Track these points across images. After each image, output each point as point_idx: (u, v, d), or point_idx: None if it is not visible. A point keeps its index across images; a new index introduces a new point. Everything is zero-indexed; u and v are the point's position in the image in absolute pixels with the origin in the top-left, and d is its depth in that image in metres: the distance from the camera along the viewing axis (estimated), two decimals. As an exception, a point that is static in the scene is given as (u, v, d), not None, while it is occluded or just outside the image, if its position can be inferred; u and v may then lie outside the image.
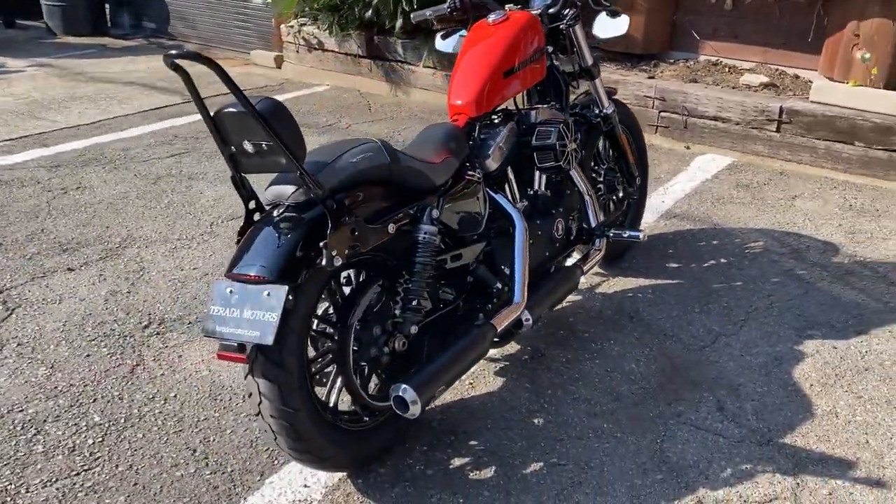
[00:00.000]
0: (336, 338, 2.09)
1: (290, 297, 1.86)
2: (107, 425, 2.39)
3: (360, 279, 2.20)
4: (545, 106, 2.84)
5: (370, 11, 5.75)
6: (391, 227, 2.12)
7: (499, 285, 2.42)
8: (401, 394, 2.00)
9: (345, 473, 2.20)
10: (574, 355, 2.77)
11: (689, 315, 3.03)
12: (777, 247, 3.61)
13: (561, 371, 2.67)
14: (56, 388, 2.56)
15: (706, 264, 3.45)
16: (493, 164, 2.54)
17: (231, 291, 1.91)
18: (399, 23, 5.63)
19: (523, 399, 2.53)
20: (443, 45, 3.05)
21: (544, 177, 2.80)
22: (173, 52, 1.74)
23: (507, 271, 2.45)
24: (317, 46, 6.50)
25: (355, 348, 2.10)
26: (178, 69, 1.79)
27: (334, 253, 1.94)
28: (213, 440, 2.34)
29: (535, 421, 2.43)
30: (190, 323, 2.95)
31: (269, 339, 1.84)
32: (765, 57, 5.23)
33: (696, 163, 4.70)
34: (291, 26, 6.56)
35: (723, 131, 4.81)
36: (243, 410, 2.47)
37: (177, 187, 4.24)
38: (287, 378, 1.93)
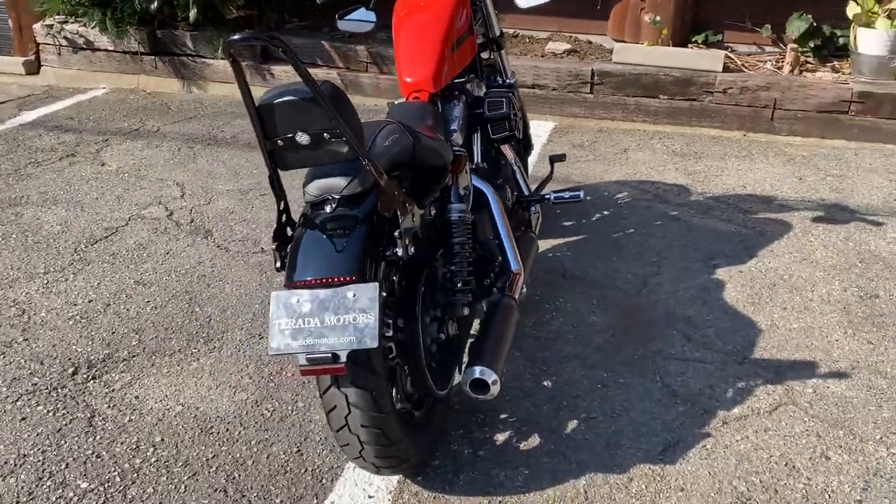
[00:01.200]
0: (405, 330, 1.98)
1: (383, 294, 1.74)
2: (102, 489, 2.05)
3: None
4: (475, 78, 2.86)
5: (155, 4, 5.28)
6: (432, 210, 2.05)
7: (499, 258, 2.43)
8: (479, 376, 1.96)
9: (401, 476, 2.10)
10: (538, 318, 2.85)
11: (611, 264, 3.24)
12: (640, 195, 3.96)
13: (537, 335, 2.74)
14: (6, 462, 2.13)
15: (594, 218, 3.69)
16: (459, 138, 2.52)
17: (299, 301, 1.74)
18: (193, 13, 5.24)
19: (521, 367, 2.57)
20: (347, 24, 2.95)
21: (480, 149, 2.83)
22: (237, 37, 1.55)
23: (497, 243, 2.46)
24: (84, 46, 5.83)
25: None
26: (233, 59, 1.60)
27: (407, 241, 1.85)
28: (240, 476, 2.11)
29: (545, 384, 2.49)
30: (124, 360, 2.59)
31: (372, 342, 1.71)
32: (559, 26, 5.62)
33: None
34: (50, 25, 5.81)
35: (542, 98, 5.12)
36: (250, 437, 2.24)
37: (2, 217, 3.63)
38: (378, 382, 1.81)
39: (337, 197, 1.83)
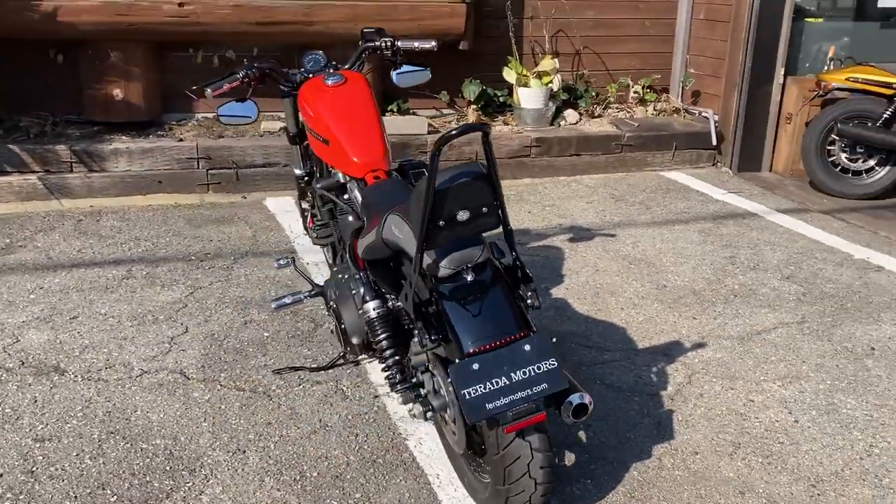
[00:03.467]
0: None
1: (554, 340, 1.97)
2: None
3: None
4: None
5: None
6: None
7: None
8: (581, 401, 2.24)
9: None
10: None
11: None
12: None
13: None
14: None
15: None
16: None
17: (477, 367, 1.89)
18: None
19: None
20: (230, 120, 2.97)
21: None
22: (454, 132, 1.72)
23: None
24: None
25: None
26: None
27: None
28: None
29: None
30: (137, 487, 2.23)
31: (562, 384, 1.93)
32: (259, 105, 5.74)
33: (271, 207, 5.02)
34: None
35: (274, 175, 5.24)
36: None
37: None
38: (546, 424, 2.01)
39: (470, 266, 2.00)
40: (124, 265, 3.99)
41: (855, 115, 5.41)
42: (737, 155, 6.13)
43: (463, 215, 1.89)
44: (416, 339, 2.25)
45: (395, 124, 5.53)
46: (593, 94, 6.29)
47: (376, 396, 2.88)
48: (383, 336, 2.29)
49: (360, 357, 2.81)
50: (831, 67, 5.85)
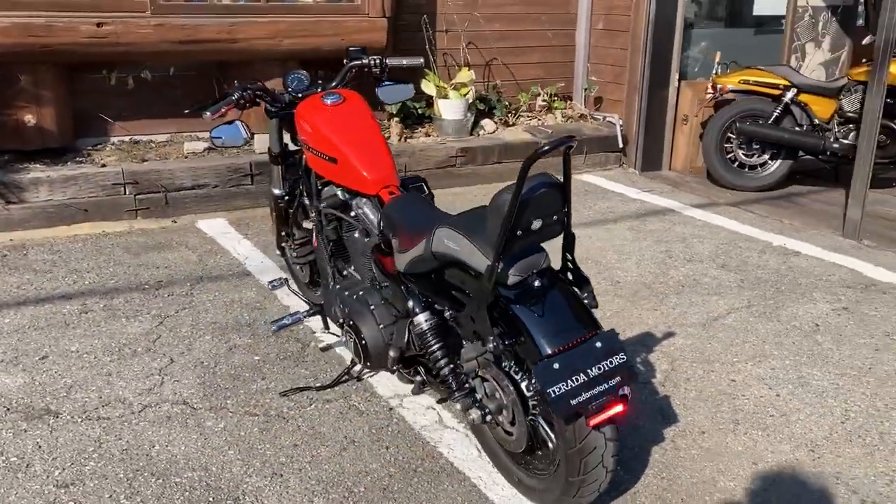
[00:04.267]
0: None
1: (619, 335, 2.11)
2: None
3: None
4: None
5: None
6: None
7: None
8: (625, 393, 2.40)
9: None
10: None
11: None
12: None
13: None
14: None
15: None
16: None
17: (558, 366, 2.01)
18: None
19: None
20: (223, 141, 2.97)
21: None
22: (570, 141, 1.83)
23: None
24: None
25: None
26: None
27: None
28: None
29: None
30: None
31: (634, 376, 2.08)
32: (178, 127, 5.60)
33: (206, 230, 4.90)
34: None
35: (205, 196, 5.12)
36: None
37: None
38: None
39: (536, 272, 2.11)
40: (76, 299, 3.80)
41: (748, 115, 5.91)
42: (640, 156, 6.54)
43: (536, 224, 1.99)
44: (469, 346, 2.33)
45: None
46: (506, 103, 6.52)
47: (391, 409, 2.92)
48: (437, 346, 2.35)
49: (381, 372, 2.85)
50: (719, 71, 6.34)
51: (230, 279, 4.10)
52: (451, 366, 2.35)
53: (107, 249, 4.47)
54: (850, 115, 5.80)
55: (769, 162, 6.02)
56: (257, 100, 3.04)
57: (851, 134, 5.80)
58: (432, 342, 2.36)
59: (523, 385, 2.24)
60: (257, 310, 3.74)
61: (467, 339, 2.34)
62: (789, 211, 5.49)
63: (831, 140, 5.76)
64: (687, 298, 3.95)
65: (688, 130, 6.48)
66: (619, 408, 2.05)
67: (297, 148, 3.24)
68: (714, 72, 6.40)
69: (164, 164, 5.10)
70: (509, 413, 2.28)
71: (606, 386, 2.02)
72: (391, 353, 2.60)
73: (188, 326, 3.55)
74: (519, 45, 6.63)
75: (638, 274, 4.26)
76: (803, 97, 5.80)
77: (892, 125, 5.63)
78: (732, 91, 5.99)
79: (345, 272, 3.09)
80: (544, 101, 6.63)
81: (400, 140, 5.92)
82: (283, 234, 3.53)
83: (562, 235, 2.14)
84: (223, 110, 2.88)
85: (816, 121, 5.80)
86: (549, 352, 2.01)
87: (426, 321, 2.36)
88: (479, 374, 2.34)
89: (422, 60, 3.20)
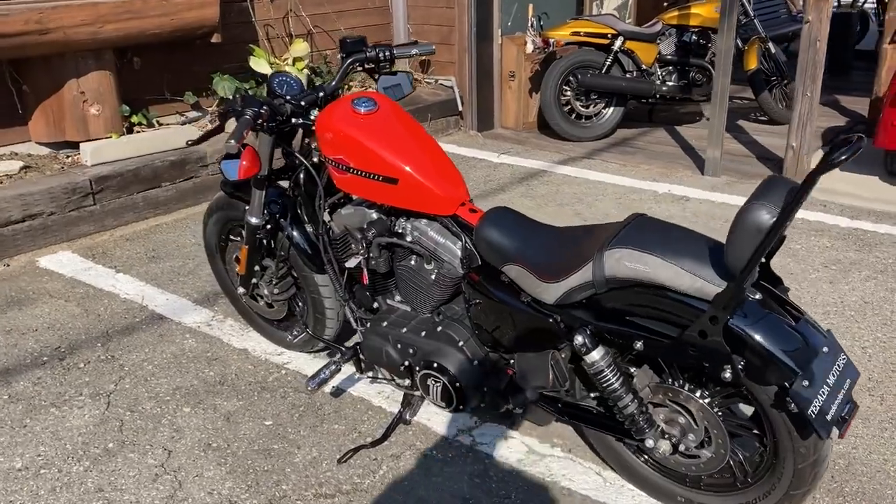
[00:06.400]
0: None
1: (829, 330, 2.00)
2: None
3: None
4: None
5: None
6: None
7: None
8: None
9: None
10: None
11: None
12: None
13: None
14: None
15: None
16: None
17: (807, 383, 1.86)
18: None
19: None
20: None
21: None
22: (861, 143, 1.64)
23: None
24: None
25: None
26: None
27: None
28: None
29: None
30: None
31: (858, 373, 1.99)
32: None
33: (57, 268, 3.97)
34: None
35: (41, 228, 4.13)
36: None
37: None
38: None
39: (751, 285, 1.92)
40: (-38, 396, 2.87)
41: (580, 66, 6.04)
42: (476, 117, 6.44)
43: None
44: (641, 374, 2.10)
45: (164, 139, 4.72)
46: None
47: (472, 450, 2.57)
48: (618, 383, 2.06)
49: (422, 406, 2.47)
50: (534, 24, 6.39)
51: (147, 329, 3.35)
52: (637, 402, 2.09)
53: (-57, 318, 3.44)
54: (669, 58, 6.17)
55: (603, 111, 6.23)
56: (272, 119, 2.44)
57: (673, 76, 6.19)
58: (612, 379, 2.06)
59: (706, 402, 2.06)
60: (215, 361, 3.10)
61: (659, 369, 2.13)
62: (638, 156, 5.73)
63: (659, 83, 6.09)
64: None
65: (516, 87, 6.48)
66: (856, 410, 1.95)
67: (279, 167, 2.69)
68: (529, 25, 6.43)
69: (-22, 194, 4.01)
70: (697, 435, 2.10)
71: (844, 392, 1.91)
72: (528, 395, 2.27)
73: (149, 400, 2.84)
74: (338, 9, 6.12)
75: (571, 242, 4.19)
76: (629, 44, 6.04)
77: (707, 65, 6.08)
78: (567, 44, 6.08)
79: (375, 305, 2.64)
80: (372, 68, 6.22)
81: (241, 128, 5.23)
82: (257, 268, 2.92)
83: None
84: (246, 134, 2.25)
85: (643, 66, 6.09)
86: (797, 370, 1.84)
87: (602, 357, 2.04)
88: (663, 401, 2.12)
89: (433, 47, 2.74)
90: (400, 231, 2.43)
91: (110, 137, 4.58)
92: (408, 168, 2.28)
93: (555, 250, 2.12)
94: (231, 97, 5.27)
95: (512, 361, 2.35)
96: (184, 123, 5.17)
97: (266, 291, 2.96)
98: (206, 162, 4.81)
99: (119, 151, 4.53)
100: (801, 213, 4.53)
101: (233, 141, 2.17)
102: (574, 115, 6.19)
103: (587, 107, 6.18)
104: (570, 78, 6.04)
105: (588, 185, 5.12)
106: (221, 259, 3.17)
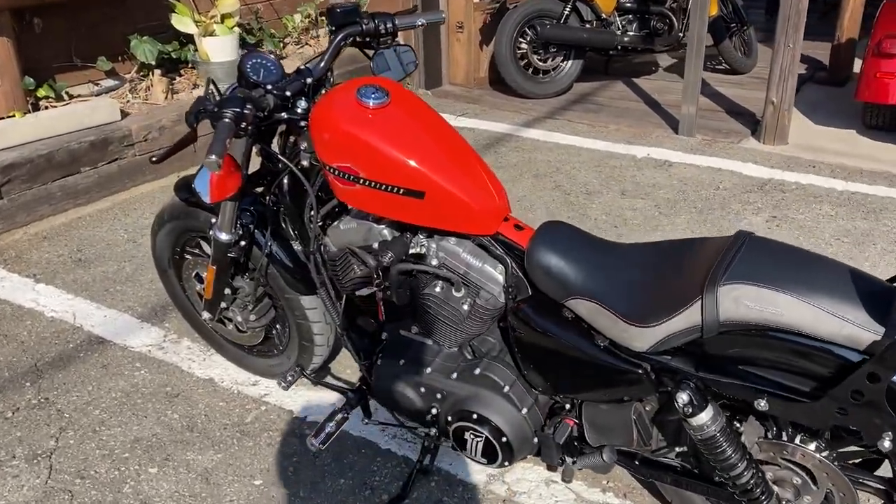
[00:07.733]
0: None
1: None
2: None
3: None
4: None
5: None
6: None
7: None
8: None
9: None
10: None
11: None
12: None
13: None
14: None
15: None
16: None
17: None
18: None
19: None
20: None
21: None
22: None
23: None
24: None
25: None
26: None
27: None
28: None
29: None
30: None
31: None
32: None
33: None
34: None
35: (-63, 231, 3.45)
36: None
37: None
38: None
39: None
40: None
41: (538, 16, 5.55)
42: (423, 73, 5.91)
43: None
44: (748, 429, 1.73)
45: (78, 117, 4.03)
46: (271, 32, 5.37)
47: (509, 502, 2.16)
48: (731, 450, 1.66)
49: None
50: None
51: (85, 358, 2.79)
52: (754, 469, 1.69)
53: None
54: (628, 5, 5.76)
55: (562, 64, 5.78)
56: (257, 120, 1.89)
57: (634, 25, 5.79)
58: (725, 446, 1.66)
59: (824, 455, 1.70)
60: (177, 398, 2.58)
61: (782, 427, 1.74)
62: (603, 115, 5.33)
63: (620, 34, 5.68)
64: (641, 233, 3.57)
65: (465, 39, 5.96)
66: None
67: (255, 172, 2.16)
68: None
69: None
70: (816, 498, 1.74)
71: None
72: (604, 455, 1.85)
73: (102, 460, 2.30)
74: (266, -43, 5.43)
75: (567, 218, 3.77)
76: (588, -8, 5.59)
77: (668, 13, 5.70)
78: (522, -8, 5.58)
79: (384, 336, 2.16)
80: (308, 20, 5.58)
81: (166, 98, 4.57)
82: (228, 291, 2.38)
83: None
84: (228, 143, 1.70)
85: (603, 15, 5.65)
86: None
87: (713, 419, 1.64)
88: (781, 460, 1.75)
89: (444, 14, 2.22)
90: (420, 251, 1.95)
91: (13, 116, 3.87)
92: (437, 177, 1.79)
93: (640, 283, 1.69)
94: (159, 58, 4.61)
95: (570, 408, 1.94)
96: (99, 94, 4.49)
97: (240, 318, 2.44)
98: (133, 140, 4.15)
99: (26, 133, 3.83)
100: (791, 176, 4.25)
101: (213, 156, 1.62)
102: (531, 70, 5.73)
103: (545, 60, 5.72)
104: (527, 29, 5.56)
105: (561, 150, 4.70)
106: (176, 276, 2.62)
